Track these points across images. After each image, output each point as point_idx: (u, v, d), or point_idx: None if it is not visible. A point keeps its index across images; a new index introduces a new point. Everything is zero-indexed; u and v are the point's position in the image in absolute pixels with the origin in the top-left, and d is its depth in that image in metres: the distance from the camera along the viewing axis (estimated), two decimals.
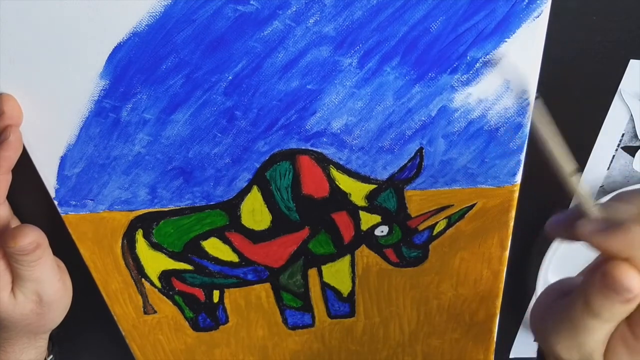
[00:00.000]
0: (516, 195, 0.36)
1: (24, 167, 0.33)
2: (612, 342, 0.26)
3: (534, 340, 0.30)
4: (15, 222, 0.36)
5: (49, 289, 0.35)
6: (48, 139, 0.33)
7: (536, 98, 0.27)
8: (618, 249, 0.24)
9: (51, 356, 0.41)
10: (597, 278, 0.24)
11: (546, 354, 0.29)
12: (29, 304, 0.35)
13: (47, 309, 0.36)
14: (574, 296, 0.26)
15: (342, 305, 0.43)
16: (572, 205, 0.40)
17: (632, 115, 0.35)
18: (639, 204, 0.25)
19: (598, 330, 0.26)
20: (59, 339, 0.42)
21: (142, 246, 0.38)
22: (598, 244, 0.24)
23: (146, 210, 0.36)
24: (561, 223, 0.27)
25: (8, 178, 0.32)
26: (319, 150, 0.34)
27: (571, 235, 0.26)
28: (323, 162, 0.34)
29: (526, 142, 0.34)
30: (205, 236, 0.38)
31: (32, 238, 0.32)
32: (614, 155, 0.37)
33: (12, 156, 0.31)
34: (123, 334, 0.44)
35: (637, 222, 0.24)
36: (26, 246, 0.32)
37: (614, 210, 0.25)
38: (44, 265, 0.34)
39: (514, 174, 0.35)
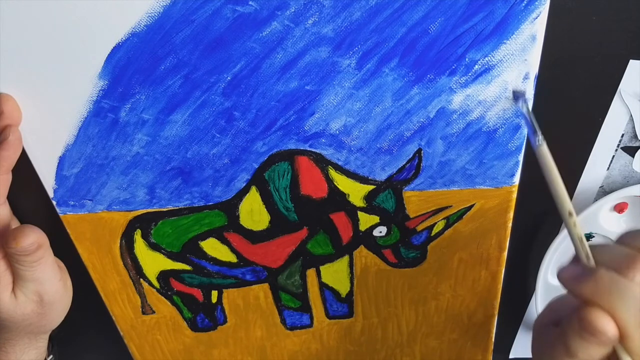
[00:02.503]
0: (514, 196, 0.36)
1: (23, 167, 0.33)
2: None
3: None
4: (15, 223, 0.36)
5: (49, 289, 0.35)
6: (46, 139, 0.33)
7: (540, 145, 0.28)
8: (586, 295, 0.25)
9: (51, 356, 0.41)
10: (575, 322, 0.26)
11: None
12: (30, 304, 0.35)
13: (48, 309, 0.36)
14: (554, 337, 0.28)
15: (341, 305, 0.43)
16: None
17: (631, 115, 0.35)
18: (615, 251, 0.26)
19: None
20: (59, 339, 0.42)
21: (140, 246, 0.38)
22: (571, 290, 0.26)
23: (145, 211, 0.36)
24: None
25: (8, 178, 0.32)
26: (317, 151, 0.34)
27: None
28: (321, 162, 0.34)
29: (524, 143, 0.34)
30: (204, 236, 0.38)
31: (34, 239, 0.32)
32: (613, 156, 0.37)
33: (12, 156, 0.31)
34: (121, 334, 0.44)
35: (609, 269, 0.25)
36: (27, 247, 0.32)
37: (597, 256, 0.27)
38: (45, 266, 0.34)
39: (512, 175, 0.35)
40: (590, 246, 0.27)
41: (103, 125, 0.32)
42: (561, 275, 0.27)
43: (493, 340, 0.46)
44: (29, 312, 0.35)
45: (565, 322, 0.27)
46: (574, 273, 0.26)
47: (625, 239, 0.27)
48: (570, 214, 0.28)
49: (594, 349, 0.25)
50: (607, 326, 0.24)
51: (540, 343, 0.30)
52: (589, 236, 0.40)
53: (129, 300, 0.41)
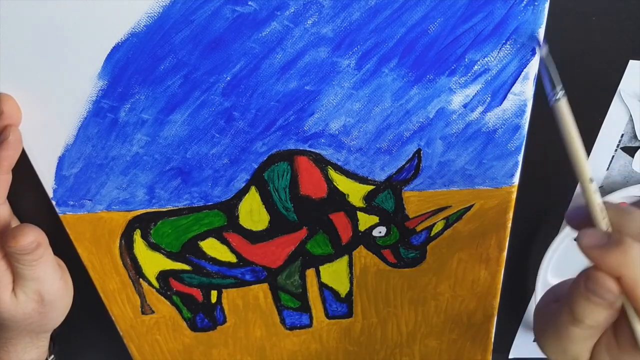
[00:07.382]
0: (514, 196, 0.36)
1: (23, 167, 0.33)
2: (597, 348, 0.27)
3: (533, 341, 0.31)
4: (15, 223, 0.36)
5: (50, 287, 0.35)
6: (46, 139, 0.33)
7: (563, 96, 0.27)
8: (612, 266, 0.25)
9: (52, 356, 0.41)
10: (581, 283, 0.25)
11: None
12: (31, 303, 0.35)
13: (49, 308, 0.36)
14: (560, 304, 0.27)
15: (340, 305, 0.43)
16: (571, 203, 0.40)
17: (631, 115, 0.35)
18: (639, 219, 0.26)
19: (581, 338, 0.27)
20: (60, 340, 0.42)
21: (140, 246, 0.38)
22: (594, 258, 0.25)
23: (144, 211, 0.36)
24: (578, 218, 0.28)
25: (8, 178, 0.32)
26: (317, 151, 0.34)
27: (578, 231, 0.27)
28: (321, 162, 0.34)
29: (524, 143, 0.34)
30: (203, 236, 0.38)
31: (33, 237, 0.32)
32: (613, 156, 0.37)
33: (12, 156, 0.31)
34: (121, 334, 0.44)
35: (636, 239, 0.25)
36: (27, 245, 0.32)
37: (621, 223, 0.26)
38: (45, 265, 0.34)
39: (512, 175, 0.35)
40: (608, 209, 0.26)
41: (102, 125, 0.32)
42: (584, 242, 0.26)
43: (492, 340, 0.46)
44: (30, 311, 0.35)
45: (571, 288, 0.26)
46: (598, 241, 0.25)
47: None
48: (590, 180, 0.27)
49: (599, 312, 0.25)
50: (612, 285, 0.24)
51: (543, 319, 0.30)
52: None
53: (128, 300, 0.41)
